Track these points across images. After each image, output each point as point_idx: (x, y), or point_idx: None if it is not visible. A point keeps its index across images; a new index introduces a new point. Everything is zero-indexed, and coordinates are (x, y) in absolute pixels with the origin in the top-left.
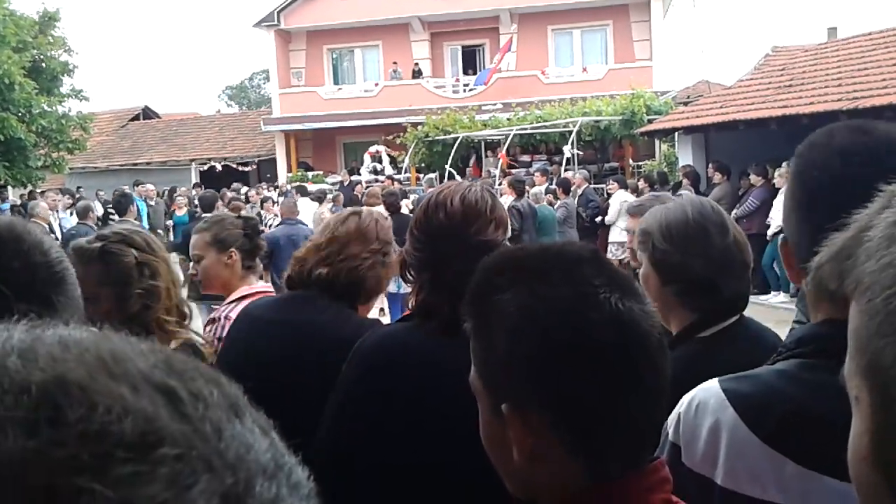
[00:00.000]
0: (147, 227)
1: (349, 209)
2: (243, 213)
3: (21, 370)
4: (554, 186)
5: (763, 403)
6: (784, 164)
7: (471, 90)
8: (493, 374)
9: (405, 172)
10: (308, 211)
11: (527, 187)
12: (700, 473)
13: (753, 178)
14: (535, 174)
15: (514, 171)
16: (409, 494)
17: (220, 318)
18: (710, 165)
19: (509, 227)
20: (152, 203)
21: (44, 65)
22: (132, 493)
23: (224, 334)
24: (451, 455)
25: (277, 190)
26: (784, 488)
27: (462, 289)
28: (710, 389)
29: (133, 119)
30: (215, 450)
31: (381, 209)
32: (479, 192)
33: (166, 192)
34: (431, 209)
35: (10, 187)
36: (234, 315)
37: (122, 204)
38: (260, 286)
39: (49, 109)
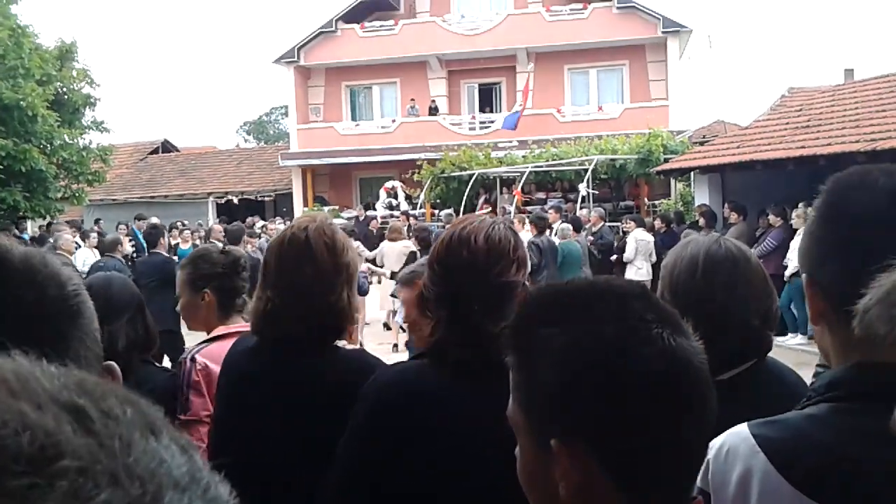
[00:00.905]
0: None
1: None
2: (230, 248)
3: None
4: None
5: (794, 448)
6: (801, 204)
7: (485, 127)
8: (540, 409)
9: (420, 208)
10: None
11: (550, 224)
12: None
13: (772, 219)
14: (550, 211)
15: (528, 208)
16: None
17: (184, 362)
18: (727, 205)
19: (529, 266)
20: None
21: (66, 97)
22: None
23: (188, 380)
24: (466, 499)
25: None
26: None
27: (479, 328)
28: (739, 434)
29: (152, 152)
30: (123, 464)
31: (405, 244)
32: (502, 230)
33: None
34: (455, 245)
35: (28, 219)
36: (199, 359)
37: (153, 236)
38: (236, 326)
39: (70, 142)
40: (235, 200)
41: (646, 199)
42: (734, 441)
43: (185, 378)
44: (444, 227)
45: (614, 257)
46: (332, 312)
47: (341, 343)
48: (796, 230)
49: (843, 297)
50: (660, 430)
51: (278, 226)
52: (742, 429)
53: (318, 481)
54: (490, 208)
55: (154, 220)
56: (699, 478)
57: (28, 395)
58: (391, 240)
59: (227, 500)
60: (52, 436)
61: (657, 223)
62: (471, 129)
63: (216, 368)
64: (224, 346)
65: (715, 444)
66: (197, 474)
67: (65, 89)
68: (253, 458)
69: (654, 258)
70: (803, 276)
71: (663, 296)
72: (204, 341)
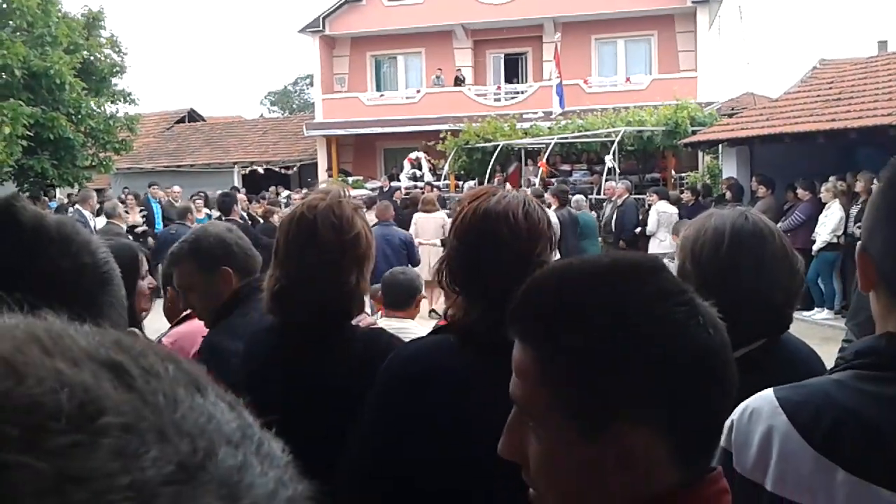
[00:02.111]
0: (160, 227)
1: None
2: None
3: None
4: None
5: (816, 411)
6: (831, 178)
7: (511, 98)
8: (592, 392)
9: (444, 179)
10: None
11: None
12: (750, 479)
13: (801, 193)
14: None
15: (553, 180)
16: None
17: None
18: (754, 178)
19: None
20: (177, 204)
21: (93, 65)
22: (72, 465)
23: None
24: (487, 480)
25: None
26: (833, 497)
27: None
28: (764, 397)
29: (179, 121)
30: (170, 420)
31: (440, 216)
32: (537, 207)
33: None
34: (492, 218)
35: (57, 187)
36: (166, 340)
37: (226, 203)
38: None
39: (97, 110)
40: (260, 170)
41: (673, 172)
42: (758, 403)
43: None
44: None
45: (638, 230)
46: (341, 294)
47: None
48: (825, 204)
49: (888, 267)
50: (711, 403)
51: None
52: (767, 392)
53: (332, 465)
54: (503, 181)
55: (229, 189)
56: (723, 438)
57: (63, 352)
58: (425, 211)
59: (283, 458)
60: (92, 391)
61: (685, 195)
62: (496, 99)
63: (187, 346)
64: (194, 325)
65: (740, 407)
66: (248, 430)
67: (92, 57)
68: None
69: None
70: (858, 244)
71: (684, 266)
72: (175, 324)
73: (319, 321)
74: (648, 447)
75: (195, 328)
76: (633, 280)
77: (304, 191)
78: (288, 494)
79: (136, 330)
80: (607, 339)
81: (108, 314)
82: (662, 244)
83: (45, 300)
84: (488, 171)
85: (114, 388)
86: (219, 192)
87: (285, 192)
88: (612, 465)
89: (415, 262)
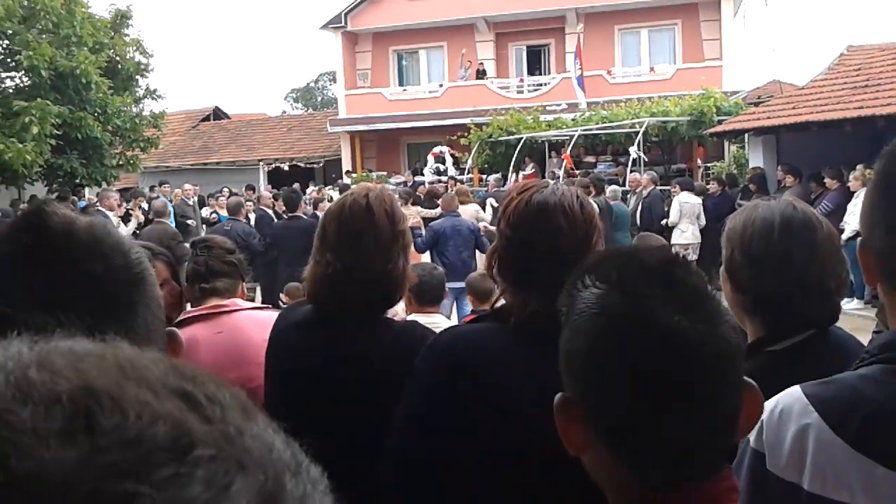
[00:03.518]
0: (174, 224)
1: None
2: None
3: (46, 381)
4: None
5: (847, 407)
6: (859, 166)
7: (534, 90)
8: (579, 399)
9: (468, 173)
10: None
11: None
12: (786, 480)
13: (828, 182)
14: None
15: (577, 171)
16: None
17: None
18: (781, 168)
19: None
20: (190, 202)
21: (119, 65)
22: (175, 495)
23: None
24: (534, 463)
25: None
26: (873, 493)
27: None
28: (792, 394)
29: (204, 119)
30: (243, 449)
31: (472, 207)
32: (588, 202)
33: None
34: (550, 210)
35: (86, 186)
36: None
37: (293, 200)
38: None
39: (124, 109)
40: (285, 167)
41: (699, 162)
42: (788, 401)
43: None
44: (493, 191)
45: (664, 221)
46: (389, 280)
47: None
48: (854, 192)
49: (887, 260)
50: (642, 410)
51: (326, 192)
52: (795, 390)
53: (367, 457)
54: (536, 174)
55: (296, 185)
56: (753, 439)
57: (146, 383)
58: (461, 203)
59: (323, 481)
60: (181, 425)
61: (712, 186)
62: (519, 92)
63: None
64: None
65: (768, 405)
66: (298, 457)
67: (118, 57)
68: (300, 432)
69: (702, 221)
70: (858, 240)
71: (733, 257)
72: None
73: (372, 304)
74: (586, 439)
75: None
76: (610, 275)
77: (327, 186)
78: None
79: (175, 329)
80: (569, 340)
81: (143, 314)
82: (684, 235)
83: (79, 306)
84: (512, 163)
85: (195, 419)
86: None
87: (311, 188)
88: (600, 469)
89: (483, 248)
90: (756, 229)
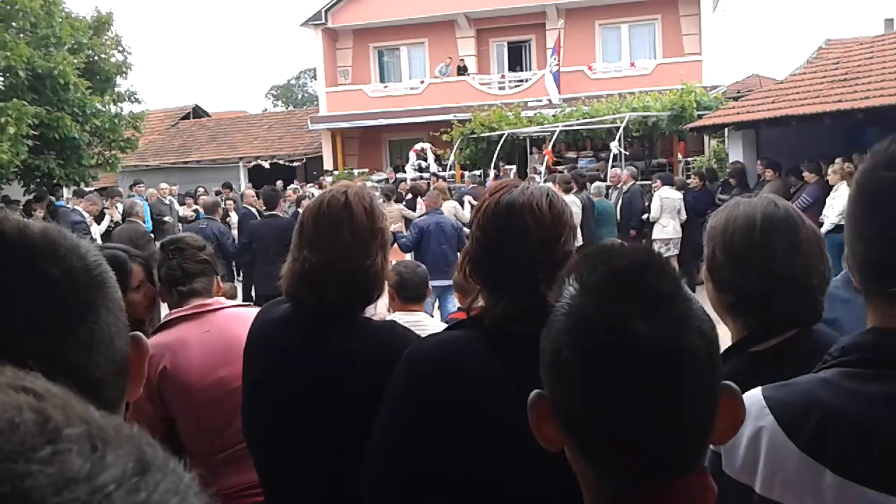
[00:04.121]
0: (150, 227)
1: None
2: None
3: None
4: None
5: (802, 410)
6: (838, 160)
7: (515, 87)
8: (552, 398)
9: (450, 170)
10: None
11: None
12: (739, 481)
13: (807, 175)
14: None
15: (559, 168)
16: None
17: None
18: (760, 162)
19: None
20: (167, 201)
21: (98, 65)
22: (60, 469)
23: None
24: (512, 472)
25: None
26: (821, 498)
27: (544, 299)
28: (752, 397)
29: (184, 118)
30: (102, 427)
31: (450, 204)
32: (557, 197)
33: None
34: (517, 210)
35: (63, 186)
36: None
37: (272, 198)
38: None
39: (102, 109)
40: (266, 165)
41: (680, 157)
42: (747, 403)
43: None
44: (470, 188)
45: (644, 216)
46: (368, 277)
47: (373, 311)
48: (832, 186)
49: (869, 268)
50: (605, 415)
51: (307, 189)
52: (756, 392)
53: (344, 460)
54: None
55: (279, 184)
56: None
57: None
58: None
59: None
60: (42, 412)
61: (693, 180)
62: (500, 88)
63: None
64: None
65: None
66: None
67: (96, 57)
68: (278, 435)
69: (683, 216)
70: (846, 249)
71: (714, 255)
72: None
73: (349, 302)
74: (578, 459)
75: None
76: (581, 278)
77: (307, 184)
78: None
79: (140, 333)
80: (546, 342)
81: (104, 317)
82: (665, 230)
83: (37, 310)
84: (493, 159)
85: (50, 406)
86: (144, 188)
87: (291, 186)
88: (575, 466)
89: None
90: (737, 227)
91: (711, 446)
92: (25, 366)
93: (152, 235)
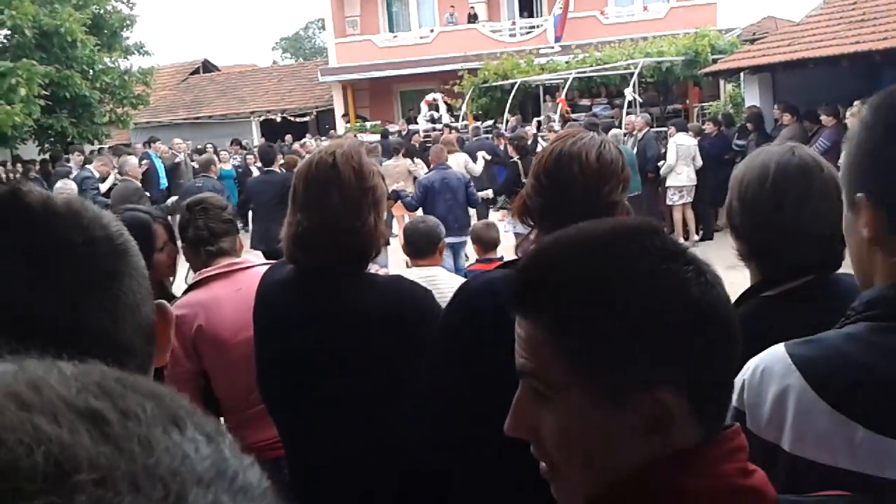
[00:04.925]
0: (165, 184)
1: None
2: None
3: None
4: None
5: (831, 368)
6: (856, 103)
7: (526, 34)
8: (611, 360)
9: (463, 120)
10: None
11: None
12: (765, 439)
13: (825, 119)
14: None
15: (573, 115)
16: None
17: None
18: (777, 106)
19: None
20: (179, 158)
21: (104, 20)
22: None
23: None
24: None
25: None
26: (854, 455)
27: None
28: (775, 354)
29: (193, 72)
30: (143, 466)
31: (461, 157)
32: (612, 149)
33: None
34: (565, 159)
35: (78, 144)
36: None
37: (268, 155)
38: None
39: (111, 65)
40: (277, 119)
41: (695, 102)
42: (770, 361)
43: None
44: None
45: (660, 163)
46: (360, 237)
47: (377, 268)
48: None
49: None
50: (725, 358)
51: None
52: (779, 349)
53: (355, 413)
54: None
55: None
56: (734, 397)
57: (42, 405)
58: (449, 153)
59: (258, 486)
60: (68, 448)
61: (708, 126)
62: (511, 35)
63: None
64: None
65: (750, 364)
66: (223, 465)
67: (101, 11)
68: (293, 392)
69: (698, 162)
70: (858, 195)
71: (731, 204)
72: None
73: (341, 263)
74: (672, 407)
75: (213, 295)
76: (635, 244)
77: (321, 138)
78: None
79: (165, 302)
80: (619, 306)
81: (129, 285)
82: (679, 177)
83: (60, 278)
84: (507, 108)
85: (90, 439)
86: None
87: (303, 140)
88: (640, 428)
89: (474, 204)
90: (752, 178)
91: (734, 404)
92: (55, 335)
93: (146, 193)
